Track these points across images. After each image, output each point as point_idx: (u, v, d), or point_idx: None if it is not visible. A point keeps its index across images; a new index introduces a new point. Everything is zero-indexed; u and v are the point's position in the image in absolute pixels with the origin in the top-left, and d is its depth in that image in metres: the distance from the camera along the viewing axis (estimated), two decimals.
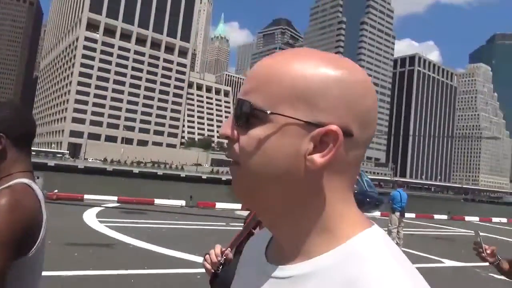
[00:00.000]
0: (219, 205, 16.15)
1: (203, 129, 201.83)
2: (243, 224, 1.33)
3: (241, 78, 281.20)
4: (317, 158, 0.48)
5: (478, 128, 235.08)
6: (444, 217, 20.47)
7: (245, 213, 14.93)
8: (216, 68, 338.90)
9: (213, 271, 1.18)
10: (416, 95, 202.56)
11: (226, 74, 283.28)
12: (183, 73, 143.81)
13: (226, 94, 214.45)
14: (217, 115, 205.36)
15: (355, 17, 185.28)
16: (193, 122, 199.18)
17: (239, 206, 16.50)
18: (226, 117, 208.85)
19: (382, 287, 0.41)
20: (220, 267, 1.19)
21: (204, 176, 74.26)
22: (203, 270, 1.24)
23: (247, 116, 0.49)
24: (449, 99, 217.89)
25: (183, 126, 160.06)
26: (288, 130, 0.48)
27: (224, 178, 71.88)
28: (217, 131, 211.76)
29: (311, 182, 0.49)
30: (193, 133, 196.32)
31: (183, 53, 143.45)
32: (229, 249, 1.21)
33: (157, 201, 15.34)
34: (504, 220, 22.20)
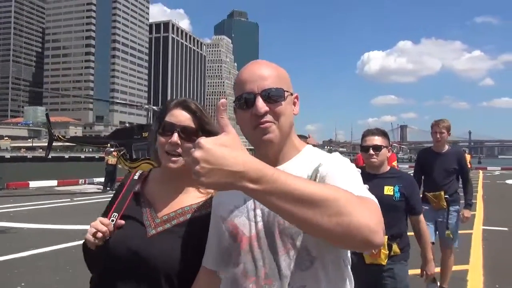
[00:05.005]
0: (33, 184, 15.63)
1: None
2: (117, 191, 1.35)
3: None
4: (297, 110, 1.06)
5: (224, 93, 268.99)
6: None
7: (67, 188, 14.93)
8: None
9: (102, 242, 1.20)
10: (171, 61, 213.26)
11: None
12: None
13: None
14: None
15: None
16: None
17: (54, 182, 16.42)
18: None
19: (331, 161, 0.99)
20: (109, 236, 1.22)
21: None
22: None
23: (279, 96, 0.98)
24: (200, 67, 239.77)
25: None
26: (291, 100, 1.03)
27: (30, 156, 57.62)
28: None
29: (293, 123, 1.04)
30: None
31: None
32: (115, 214, 1.25)
33: None
34: None
